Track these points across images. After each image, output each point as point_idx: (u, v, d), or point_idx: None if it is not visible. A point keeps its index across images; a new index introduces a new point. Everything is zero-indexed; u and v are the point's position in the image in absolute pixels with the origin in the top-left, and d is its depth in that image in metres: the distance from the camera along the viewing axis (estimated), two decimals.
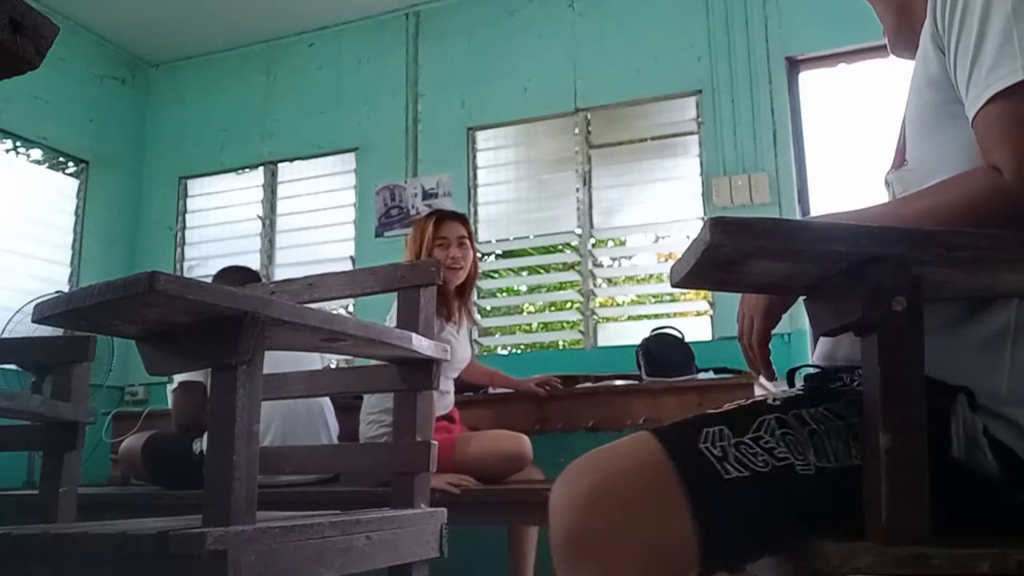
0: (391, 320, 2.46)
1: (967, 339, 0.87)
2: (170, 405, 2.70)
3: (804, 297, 0.87)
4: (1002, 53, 0.81)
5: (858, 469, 0.80)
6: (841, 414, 0.86)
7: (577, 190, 3.82)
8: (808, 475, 0.81)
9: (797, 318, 2.80)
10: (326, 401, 2.71)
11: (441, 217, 2.78)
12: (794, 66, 3.62)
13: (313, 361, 2.59)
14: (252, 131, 4.51)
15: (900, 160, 1.02)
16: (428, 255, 2.66)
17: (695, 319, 3.60)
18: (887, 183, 1.05)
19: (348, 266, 4.06)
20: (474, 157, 4.05)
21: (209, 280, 2.81)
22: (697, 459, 0.80)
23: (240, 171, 4.57)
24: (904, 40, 1.11)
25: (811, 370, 1.05)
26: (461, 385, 2.93)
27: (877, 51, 3.39)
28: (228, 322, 1.09)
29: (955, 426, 0.83)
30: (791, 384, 1.06)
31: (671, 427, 0.85)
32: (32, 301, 2.58)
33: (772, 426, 0.83)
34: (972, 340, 0.87)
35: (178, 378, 2.61)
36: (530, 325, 5.03)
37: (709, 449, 0.80)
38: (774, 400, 0.88)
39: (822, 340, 1.03)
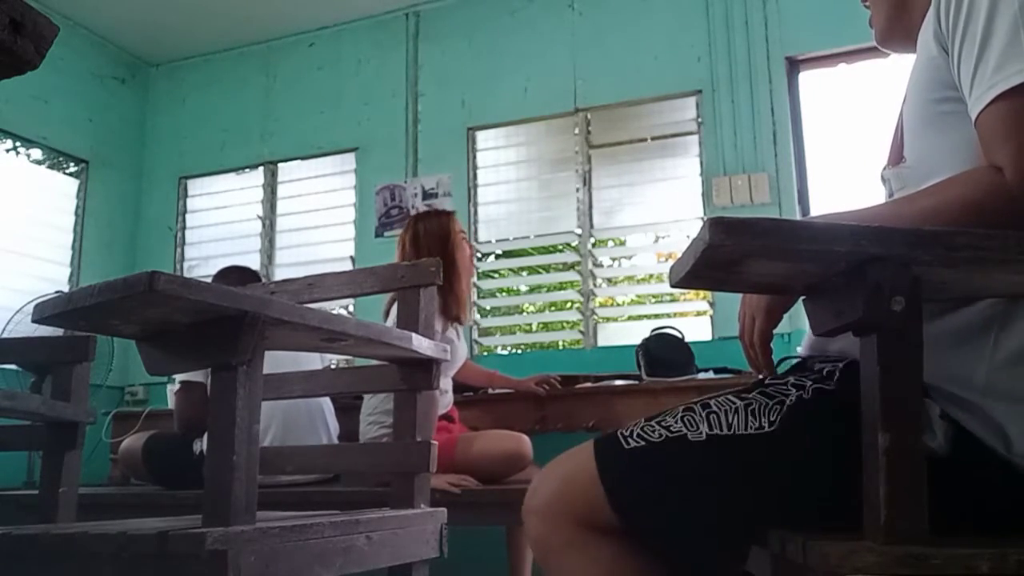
0: (390, 319, 2.46)
1: (946, 329, 0.88)
2: (171, 405, 2.70)
3: (803, 297, 0.87)
4: (1008, 53, 0.81)
5: (753, 438, 0.91)
6: (747, 399, 0.94)
7: (577, 190, 3.82)
8: (699, 441, 0.92)
9: (797, 318, 2.79)
10: (326, 401, 2.71)
11: (453, 213, 2.81)
12: (794, 66, 3.62)
13: (312, 361, 2.58)
14: (252, 131, 4.51)
15: (897, 157, 1.02)
16: (453, 251, 2.64)
17: (695, 319, 3.60)
18: (883, 179, 1.05)
19: (348, 266, 4.06)
20: (474, 157, 4.05)
21: (209, 280, 2.82)
22: (610, 441, 0.97)
23: (240, 171, 4.57)
24: (899, 33, 1.10)
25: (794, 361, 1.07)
26: (460, 386, 2.93)
27: (877, 51, 3.38)
28: (228, 322, 1.09)
29: None
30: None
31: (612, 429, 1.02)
32: (32, 301, 2.58)
33: (677, 411, 0.97)
34: (951, 330, 0.88)
35: (179, 378, 2.62)
36: (530, 325, 5.03)
37: (621, 433, 0.97)
38: (698, 399, 0.99)
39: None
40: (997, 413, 0.84)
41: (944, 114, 0.91)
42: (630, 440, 0.95)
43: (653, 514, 0.93)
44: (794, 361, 1.07)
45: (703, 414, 0.94)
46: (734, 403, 0.94)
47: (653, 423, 0.96)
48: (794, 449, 0.90)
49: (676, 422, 0.94)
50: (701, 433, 0.92)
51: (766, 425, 0.91)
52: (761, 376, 1.04)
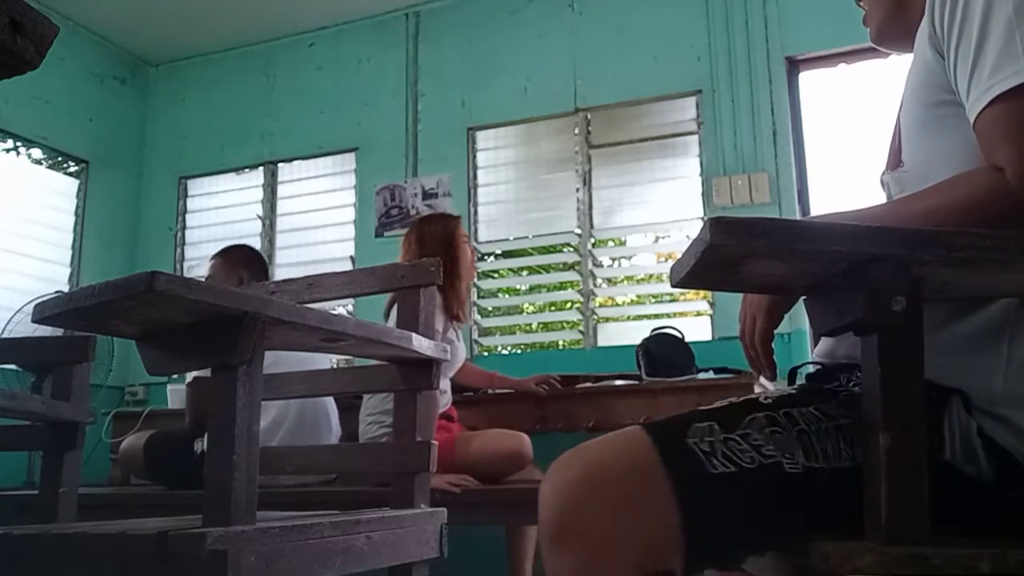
0: (390, 321, 2.47)
1: (960, 337, 0.87)
2: (171, 404, 2.71)
3: (804, 297, 0.87)
4: (1004, 55, 0.81)
5: (848, 471, 0.81)
6: (832, 415, 0.86)
7: (577, 190, 3.82)
8: (796, 473, 0.81)
9: (797, 318, 2.80)
10: (330, 401, 2.72)
11: (459, 218, 2.88)
12: (794, 66, 3.62)
13: (321, 362, 2.58)
14: (252, 131, 4.51)
15: (895, 161, 1.02)
16: (456, 253, 2.71)
17: (695, 319, 3.60)
18: (883, 184, 1.05)
19: (348, 266, 4.06)
20: (474, 157, 4.05)
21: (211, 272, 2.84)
22: (684, 453, 0.81)
23: (240, 171, 4.57)
24: (897, 31, 1.10)
25: (812, 369, 1.05)
26: (460, 386, 2.93)
27: (877, 51, 3.39)
28: (228, 322, 1.09)
29: (948, 427, 0.83)
30: (791, 383, 1.06)
31: (661, 422, 0.86)
32: (32, 301, 2.58)
33: (761, 423, 0.83)
34: (965, 338, 0.87)
35: (190, 374, 2.63)
36: (530, 325, 5.02)
37: (697, 444, 0.81)
38: (766, 399, 0.88)
39: (823, 338, 1.03)
40: (1019, 420, 0.82)
41: (941, 117, 0.91)
42: (715, 462, 0.80)
43: (730, 545, 0.84)
44: (811, 368, 1.05)
45: (794, 433, 0.83)
46: (822, 421, 0.85)
47: (738, 439, 0.82)
48: None
49: (766, 442, 0.82)
50: (797, 464, 0.82)
51: (858, 456, 0.82)
52: (763, 378, 1.03)
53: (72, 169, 4.44)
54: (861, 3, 1.16)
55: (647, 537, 0.79)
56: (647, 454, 0.81)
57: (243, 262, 2.85)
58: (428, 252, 2.63)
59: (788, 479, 0.81)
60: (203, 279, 2.87)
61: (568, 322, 4.43)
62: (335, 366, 3.24)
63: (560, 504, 0.82)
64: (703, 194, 3.58)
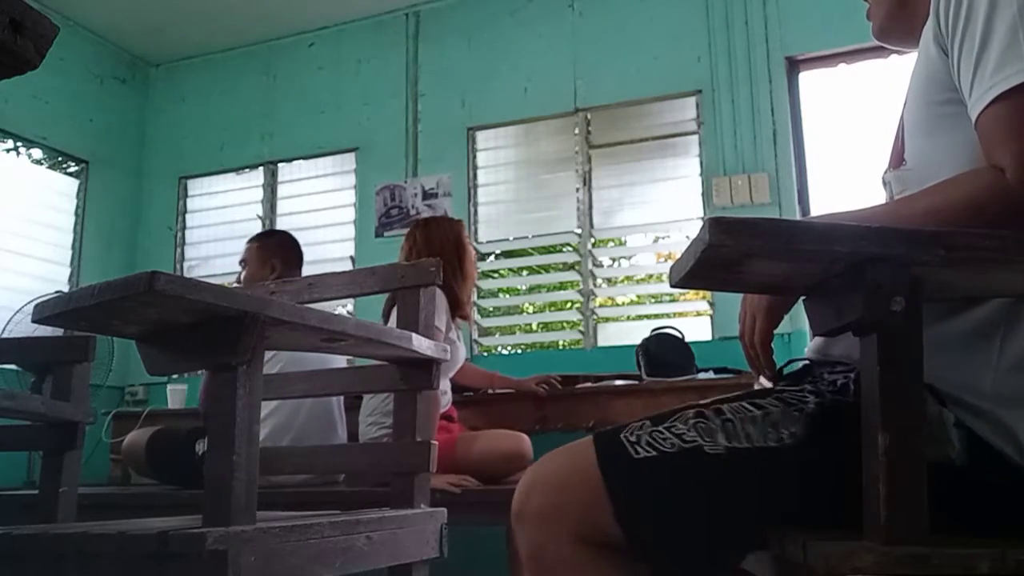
0: (390, 322, 2.47)
1: (951, 335, 0.88)
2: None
3: (804, 297, 0.87)
4: (1007, 54, 0.81)
5: (774, 451, 0.87)
6: (762, 406, 0.90)
7: (577, 190, 3.82)
8: (717, 454, 0.87)
9: (797, 318, 2.80)
10: (339, 409, 2.72)
11: (461, 221, 2.90)
12: (794, 66, 3.62)
13: (340, 363, 2.57)
14: (252, 131, 4.51)
15: (898, 160, 1.02)
16: (464, 253, 2.74)
17: (695, 319, 3.60)
18: (884, 182, 1.05)
19: (348, 266, 4.06)
20: (474, 157, 4.04)
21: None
22: (614, 444, 0.91)
23: (240, 171, 4.57)
24: (899, 27, 1.10)
25: (799, 365, 1.06)
26: (460, 386, 2.93)
27: (877, 51, 3.39)
28: (228, 322, 1.09)
29: None
30: (779, 381, 1.06)
31: (610, 427, 0.95)
32: (32, 301, 2.58)
33: (688, 417, 0.91)
34: (957, 336, 0.88)
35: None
36: (530, 325, 5.02)
37: (626, 437, 0.91)
38: (704, 400, 0.94)
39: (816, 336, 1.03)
40: (1008, 419, 0.83)
41: (945, 116, 0.91)
42: (639, 448, 0.89)
43: (664, 529, 0.89)
44: (799, 364, 1.06)
45: (718, 422, 0.89)
46: (750, 411, 0.90)
47: (663, 429, 0.90)
48: (816, 461, 0.86)
49: (689, 430, 0.89)
50: (718, 445, 0.87)
51: (786, 436, 0.87)
52: (763, 378, 1.04)
53: (72, 169, 4.44)
54: None
55: (582, 513, 0.90)
56: (587, 450, 0.93)
57: (278, 251, 2.84)
58: (436, 252, 2.64)
59: (709, 459, 0.87)
60: (239, 263, 2.87)
61: (568, 322, 4.43)
62: None
63: (518, 497, 0.96)
64: (703, 194, 3.58)
